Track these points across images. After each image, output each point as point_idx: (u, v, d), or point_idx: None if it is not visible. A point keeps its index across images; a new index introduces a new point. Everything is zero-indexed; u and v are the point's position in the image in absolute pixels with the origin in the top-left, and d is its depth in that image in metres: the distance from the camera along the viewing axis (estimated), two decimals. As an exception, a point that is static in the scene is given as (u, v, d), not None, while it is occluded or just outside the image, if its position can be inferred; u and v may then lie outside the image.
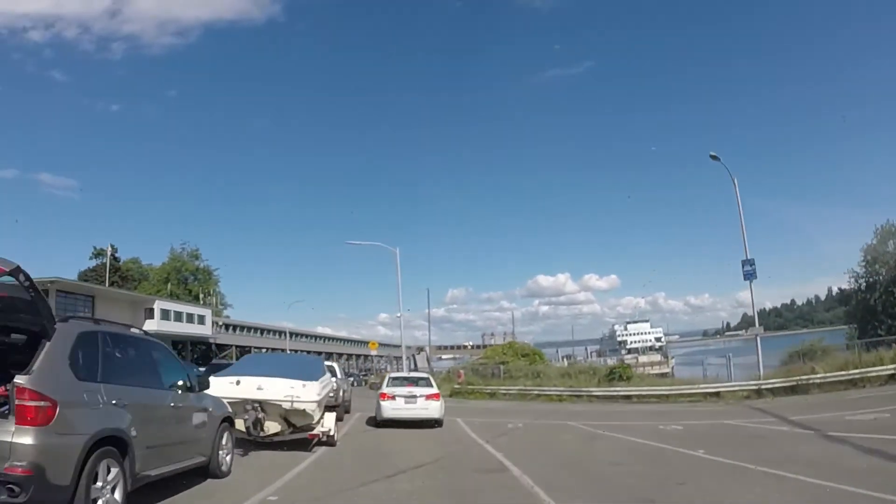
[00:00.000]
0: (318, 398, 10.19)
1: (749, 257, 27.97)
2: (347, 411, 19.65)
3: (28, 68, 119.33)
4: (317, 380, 10.67)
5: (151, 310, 55.64)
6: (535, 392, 28.93)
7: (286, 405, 9.93)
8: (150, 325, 54.85)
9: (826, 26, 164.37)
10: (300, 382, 10.20)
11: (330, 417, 11.31)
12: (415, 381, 16.86)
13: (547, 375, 32.20)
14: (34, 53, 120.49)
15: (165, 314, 56.76)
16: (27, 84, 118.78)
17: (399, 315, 35.97)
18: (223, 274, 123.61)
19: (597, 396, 27.50)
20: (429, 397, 15.39)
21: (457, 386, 31.78)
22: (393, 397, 15.33)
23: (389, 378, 17.28)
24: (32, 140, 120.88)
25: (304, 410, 10.02)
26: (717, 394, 25.07)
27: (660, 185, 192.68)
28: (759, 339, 27.54)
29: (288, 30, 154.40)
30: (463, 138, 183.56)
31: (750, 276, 28.04)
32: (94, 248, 71.09)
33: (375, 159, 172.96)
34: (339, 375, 17.94)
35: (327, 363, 19.17)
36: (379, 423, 15.46)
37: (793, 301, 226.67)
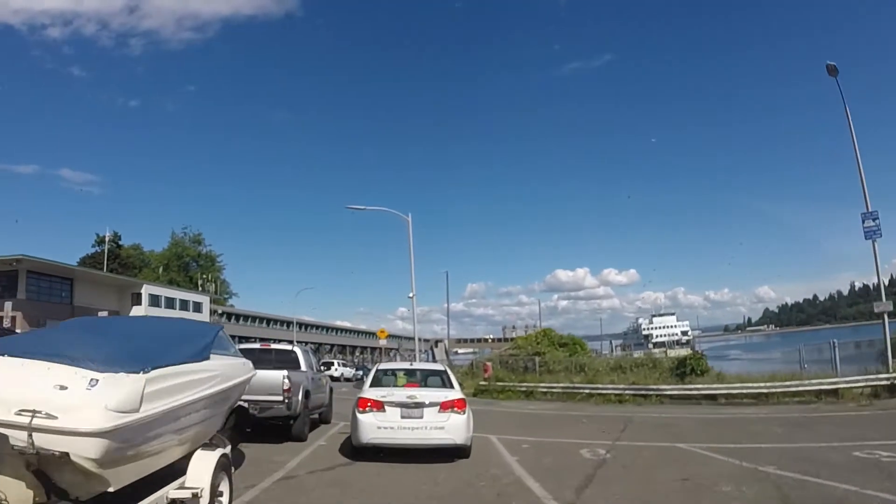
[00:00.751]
0: (110, 424, 3.47)
1: (871, 210, 21.03)
2: (326, 421, 13.11)
3: (47, 65, 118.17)
4: (139, 368, 3.91)
5: (139, 295, 49.84)
6: (587, 391, 22.10)
7: (18, 438, 3.31)
8: (137, 312, 49.13)
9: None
10: (85, 375, 3.58)
11: (202, 462, 4.71)
12: (422, 377, 10.19)
13: (594, 369, 25.29)
14: (53, 50, 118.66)
15: (154, 300, 50.91)
16: (47, 80, 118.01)
17: (411, 295, 29.27)
18: (234, 264, 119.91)
19: (669, 396, 20.82)
20: (446, 406, 8.59)
21: (482, 382, 24.93)
22: (381, 405, 8.50)
23: (377, 371, 10.16)
24: (52, 136, 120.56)
25: (66, 456, 3.35)
26: (834, 391, 19.00)
27: (678, 180, 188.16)
28: (886, 318, 20.89)
29: (306, 24, 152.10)
30: (481, 132, 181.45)
31: (872, 234, 21.10)
32: (98, 235, 66.37)
33: (392, 153, 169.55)
34: (302, 367, 11.21)
35: (281, 346, 12.51)
36: (357, 449, 8.79)
37: (815, 296, 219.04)
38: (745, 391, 20.26)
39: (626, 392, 21.23)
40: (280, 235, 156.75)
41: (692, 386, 20.87)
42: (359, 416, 8.51)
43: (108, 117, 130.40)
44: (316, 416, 12.94)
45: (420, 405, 8.47)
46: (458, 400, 8.76)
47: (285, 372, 9.82)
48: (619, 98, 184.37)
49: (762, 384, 20.41)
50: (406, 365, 11.30)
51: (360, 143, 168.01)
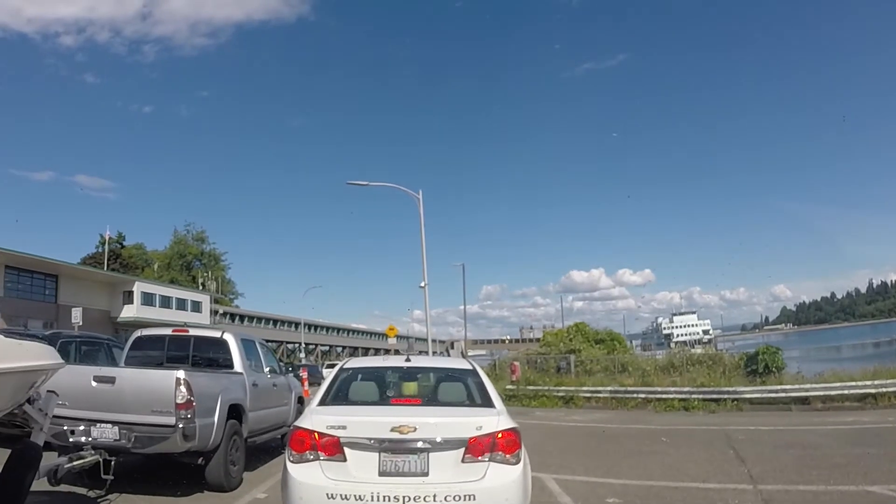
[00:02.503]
0: None
1: None
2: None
3: (61, 72, 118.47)
4: None
5: (130, 293, 46.05)
6: (642, 396, 17.75)
7: None
8: (129, 311, 45.48)
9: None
10: None
11: None
12: (433, 384, 5.05)
13: (641, 368, 20.96)
14: (67, 58, 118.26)
15: (148, 298, 47.12)
16: (61, 88, 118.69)
17: (423, 285, 25.05)
18: (243, 264, 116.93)
19: (749, 400, 16.64)
20: (479, 447, 3.87)
21: (510, 386, 20.52)
22: (337, 447, 3.86)
23: (341, 374, 4.96)
24: (67, 143, 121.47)
25: None
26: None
27: (693, 179, 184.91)
28: None
29: (318, 27, 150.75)
30: (494, 135, 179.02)
31: None
32: (101, 236, 63.07)
33: (405, 154, 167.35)
34: (237, 366, 6.76)
35: (206, 333, 8.26)
36: None
37: (833, 294, 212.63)
38: (847, 392, 15.92)
39: (694, 396, 16.87)
40: (290, 238, 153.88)
41: (779, 387, 16.57)
42: (291, 469, 3.93)
43: (122, 123, 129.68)
44: (279, 437, 8.79)
45: (424, 445, 3.89)
46: (505, 433, 4.00)
47: (181, 373, 5.50)
48: (633, 97, 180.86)
49: (867, 382, 16.08)
50: (398, 361, 5.30)
51: (372, 145, 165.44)
